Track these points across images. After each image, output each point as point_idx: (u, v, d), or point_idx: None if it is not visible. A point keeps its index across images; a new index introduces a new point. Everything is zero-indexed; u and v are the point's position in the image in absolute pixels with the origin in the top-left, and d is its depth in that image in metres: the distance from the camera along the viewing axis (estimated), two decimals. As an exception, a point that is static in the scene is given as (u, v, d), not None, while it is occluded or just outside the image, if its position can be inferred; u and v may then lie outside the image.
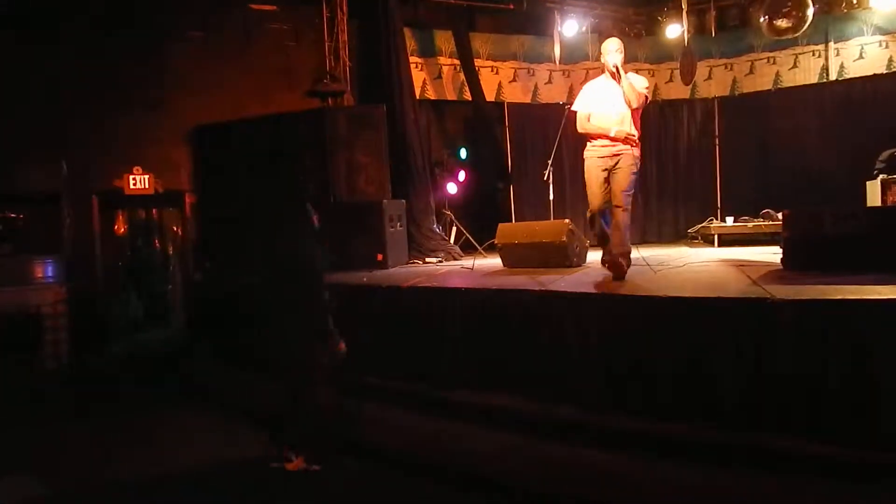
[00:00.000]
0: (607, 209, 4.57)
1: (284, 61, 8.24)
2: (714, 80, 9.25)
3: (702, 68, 9.17)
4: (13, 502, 3.35)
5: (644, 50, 9.37)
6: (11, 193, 6.13)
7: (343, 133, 6.81)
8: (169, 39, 7.61)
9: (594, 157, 4.62)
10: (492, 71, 9.19)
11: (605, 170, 4.56)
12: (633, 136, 4.55)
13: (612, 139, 4.53)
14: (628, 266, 4.55)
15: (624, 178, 4.48)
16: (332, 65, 8.08)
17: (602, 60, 4.66)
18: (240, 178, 7.01)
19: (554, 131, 6.64)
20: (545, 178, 6.15)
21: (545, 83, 9.35)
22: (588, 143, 4.70)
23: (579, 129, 4.77)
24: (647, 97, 4.54)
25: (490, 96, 9.01)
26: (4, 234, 5.85)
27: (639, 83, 4.57)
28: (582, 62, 9.35)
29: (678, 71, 8.91)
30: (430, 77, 8.88)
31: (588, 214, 4.78)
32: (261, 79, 8.12)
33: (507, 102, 9.09)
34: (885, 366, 3.02)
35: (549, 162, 6.20)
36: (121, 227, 8.51)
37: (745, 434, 3.24)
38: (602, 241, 4.77)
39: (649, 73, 9.37)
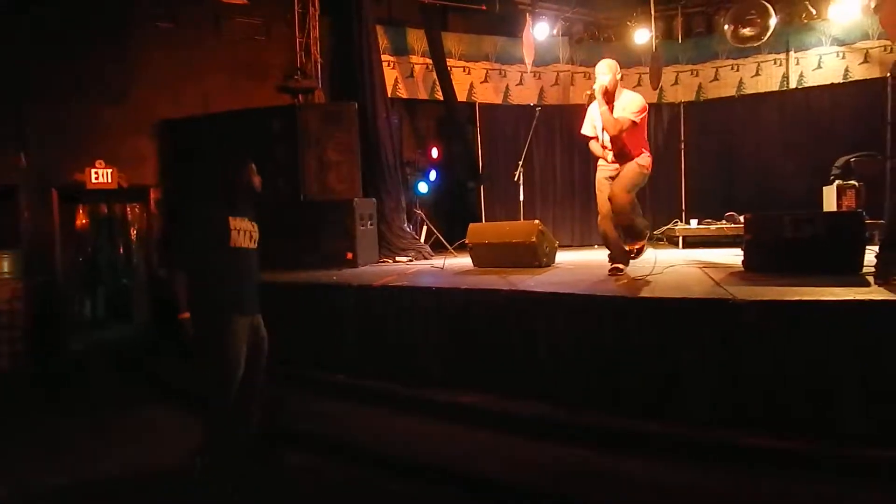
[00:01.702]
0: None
1: (255, 56, 8.12)
2: (680, 86, 9.47)
3: (669, 73, 9.40)
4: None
5: (613, 54, 9.51)
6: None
7: (314, 130, 6.75)
8: (136, 30, 7.42)
9: (602, 174, 4.88)
10: (464, 71, 9.23)
11: (610, 179, 4.79)
12: (630, 153, 4.68)
13: (612, 161, 4.80)
14: (625, 265, 4.89)
15: (620, 183, 4.65)
16: (304, 61, 8.00)
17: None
18: (208, 174, 6.87)
19: (525, 132, 6.74)
20: (515, 179, 6.22)
21: (516, 84, 9.44)
22: (599, 161, 4.94)
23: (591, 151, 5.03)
24: (632, 121, 4.52)
25: (462, 96, 9.05)
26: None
27: (629, 106, 4.57)
28: (553, 64, 9.47)
29: (646, 76, 9.11)
30: (402, 75, 8.88)
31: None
32: (230, 73, 7.99)
33: (479, 103, 9.15)
34: (840, 364, 3.15)
35: (520, 163, 6.27)
36: (82, 222, 8.27)
37: (711, 431, 3.33)
38: (607, 245, 4.99)
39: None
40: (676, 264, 5.50)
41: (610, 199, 4.67)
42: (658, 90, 9.18)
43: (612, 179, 4.75)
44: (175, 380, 5.38)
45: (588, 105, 4.95)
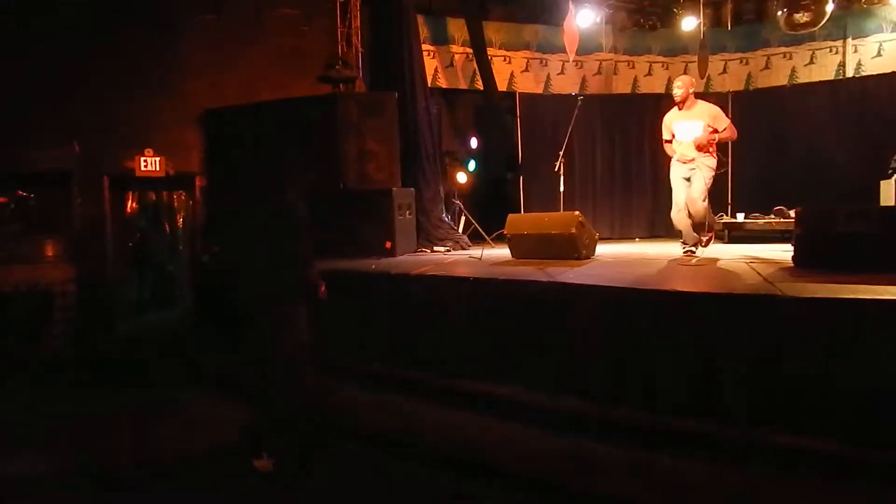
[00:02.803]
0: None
1: (296, 46, 8.20)
2: (729, 75, 9.15)
3: (717, 62, 9.08)
4: (14, 476, 3.39)
5: (658, 42, 9.28)
6: (24, 173, 6.16)
7: (354, 120, 6.78)
8: (182, 22, 7.60)
9: (677, 173, 5.57)
10: (504, 60, 9.12)
11: (685, 180, 5.51)
12: (704, 155, 5.42)
13: (687, 161, 5.51)
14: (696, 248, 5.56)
15: (696, 190, 5.40)
16: (345, 50, 8.04)
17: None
18: (248, 163, 7.01)
19: (565, 123, 6.61)
20: (556, 170, 6.14)
21: (558, 74, 9.27)
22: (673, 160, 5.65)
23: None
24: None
25: (502, 86, 8.95)
26: (16, 213, 5.88)
27: (719, 116, 5.45)
28: (595, 53, 9.26)
29: (692, 64, 8.83)
30: (441, 65, 8.83)
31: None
32: (272, 63, 8.10)
33: (519, 92, 9.02)
34: (894, 366, 3.00)
35: (561, 154, 6.18)
36: (131, 209, 8.54)
37: (752, 431, 3.23)
38: (681, 233, 5.69)
39: (663, 66, 9.30)
40: (722, 259, 5.34)
41: (688, 204, 5.41)
42: (705, 79, 8.90)
43: (687, 180, 5.45)
44: (215, 364, 5.51)
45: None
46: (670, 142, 5.64)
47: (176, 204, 8.88)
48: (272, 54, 8.08)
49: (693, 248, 5.54)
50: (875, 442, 2.96)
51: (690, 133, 5.41)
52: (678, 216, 5.52)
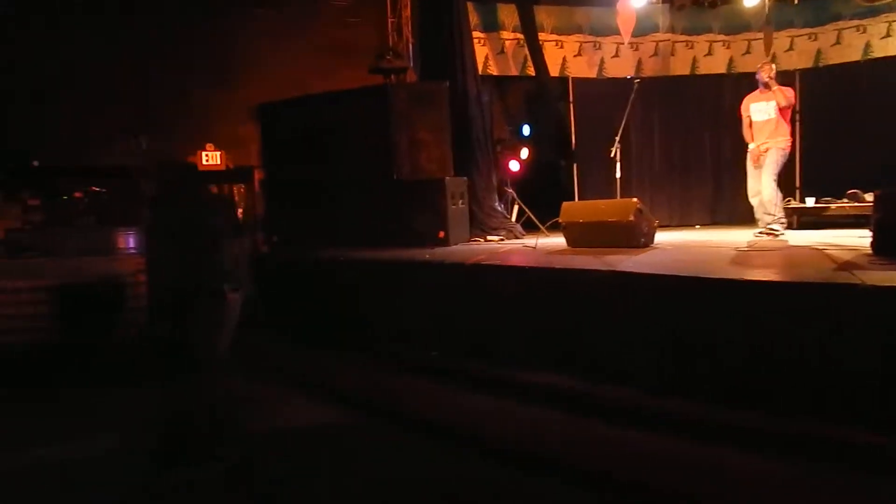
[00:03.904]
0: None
1: (348, 38, 8.30)
2: (796, 52, 8.67)
3: (782, 39, 8.62)
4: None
5: (719, 20, 8.89)
6: (96, 168, 6.48)
7: (405, 110, 6.80)
8: (240, 18, 7.79)
9: (752, 158, 5.99)
10: (556, 45, 8.94)
11: (758, 165, 5.89)
12: (777, 136, 5.86)
13: (761, 144, 5.94)
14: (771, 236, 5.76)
15: (767, 173, 5.79)
16: (395, 41, 8.08)
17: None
18: (305, 155, 7.14)
19: (621, 107, 6.44)
20: (612, 156, 5.99)
21: (612, 57, 9.02)
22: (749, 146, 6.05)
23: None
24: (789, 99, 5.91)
25: (554, 71, 8.78)
26: (90, 207, 6.18)
27: (786, 91, 5.91)
28: (652, 34, 8.95)
29: (755, 42, 8.42)
30: (492, 52, 8.73)
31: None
32: (325, 55, 8.22)
33: (572, 77, 8.84)
34: None
35: (617, 139, 6.03)
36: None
37: (816, 425, 3.07)
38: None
39: (724, 44, 8.91)
40: (792, 245, 5.10)
41: (762, 183, 5.78)
42: (770, 57, 8.47)
43: (759, 166, 5.84)
44: (273, 355, 5.66)
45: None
46: (750, 126, 6.03)
47: (236, 196, 9.14)
48: (325, 47, 8.20)
49: (775, 228, 5.72)
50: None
51: (764, 113, 5.87)
52: (754, 201, 5.96)
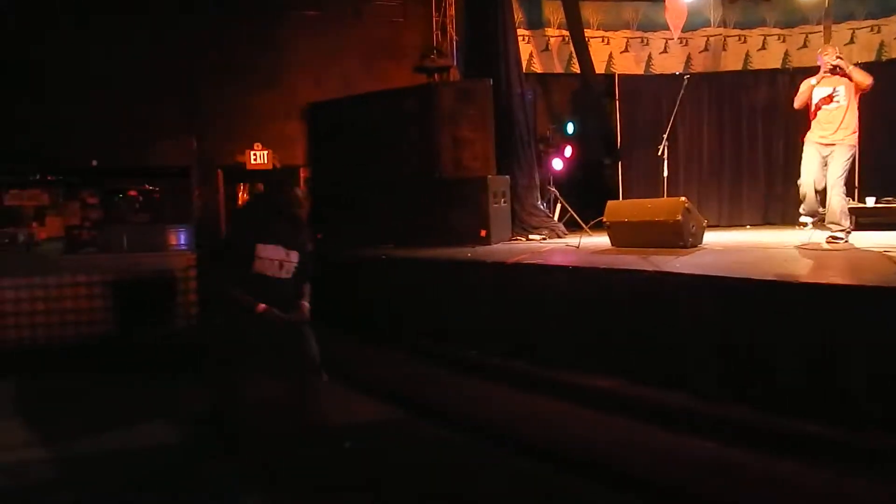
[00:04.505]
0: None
1: (393, 37, 8.36)
2: (857, 44, 8.29)
3: (843, 31, 8.26)
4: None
5: (774, 13, 8.57)
6: (149, 167, 6.73)
7: (449, 108, 6.81)
8: (285, 19, 7.95)
9: (812, 149, 5.38)
10: (602, 41, 8.81)
11: (822, 157, 5.33)
12: (847, 128, 5.28)
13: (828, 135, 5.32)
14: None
15: (834, 172, 5.24)
16: (439, 40, 8.09)
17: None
18: (349, 154, 7.24)
19: (669, 104, 6.29)
20: (659, 154, 5.86)
21: (660, 52, 8.83)
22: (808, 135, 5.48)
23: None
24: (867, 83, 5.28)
25: (599, 68, 8.65)
26: (143, 205, 6.43)
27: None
28: (702, 28, 8.71)
29: (813, 35, 8.09)
30: (536, 50, 8.67)
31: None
32: (370, 55, 8.30)
33: (618, 74, 8.67)
34: None
35: (664, 136, 5.89)
36: (242, 200, 9.09)
37: (870, 434, 2.92)
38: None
39: (779, 38, 8.60)
40: (851, 247, 4.87)
41: (828, 186, 5.23)
42: (829, 50, 8.12)
43: (823, 157, 5.27)
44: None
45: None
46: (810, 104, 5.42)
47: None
48: (370, 46, 8.28)
49: (839, 236, 5.19)
50: None
51: (831, 100, 5.29)
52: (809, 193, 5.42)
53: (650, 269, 4.15)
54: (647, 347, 3.89)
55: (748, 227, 7.75)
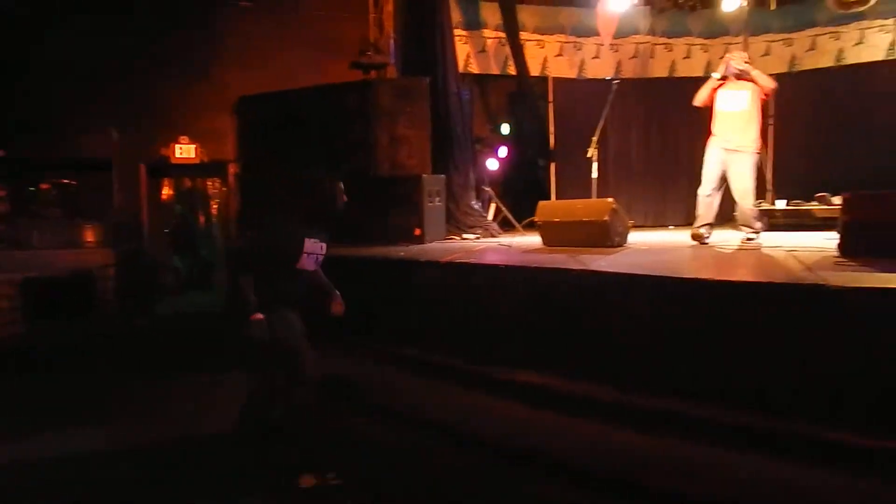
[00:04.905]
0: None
1: (330, 32, 8.23)
2: (771, 57, 8.80)
3: (759, 44, 8.75)
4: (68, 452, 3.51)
5: (698, 24, 8.99)
6: (65, 160, 6.35)
7: (386, 106, 6.77)
8: (219, 9, 7.68)
9: (716, 153, 5.52)
10: (537, 45, 8.96)
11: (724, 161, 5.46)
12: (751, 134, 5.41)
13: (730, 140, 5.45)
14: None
15: (742, 180, 5.39)
16: (377, 36, 8.03)
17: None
18: (282, 149, 7.07)
19: (600, 108, 6.46)
20: (588, 156, 6.02)
21: (593, 58, 9.07)
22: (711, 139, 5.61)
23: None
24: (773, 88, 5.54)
25: (535, 71, 8.80)
26: (58, 199, 6.07)
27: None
28: (632, 36, 9.02)
29: (733, 46, 8.53)
30: (473, 50, 8.72)
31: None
32: (307, 50, 8.14)
33: (553, 77, 8.85)
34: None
35: (594, 139, 6.06)
36: (167, 195, 8.73)
37: (792, 423, 3.12)
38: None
39: (702, 48, 9.02)
40: (761, 247, 5.17)
41: (737, 194, 5.41)
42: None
43: (725, 162, 5.40)
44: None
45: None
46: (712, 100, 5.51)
47: (210, 190, 9.04)
48: (306, 41, 8.12)
49: (752, 237, 5.40)
50: None
51: (734, 104, 5.37)
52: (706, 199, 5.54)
53: (578, 267, 4.27)
54: (576, 343, 4.00)
55: (671, 227, 8.09)
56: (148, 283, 7.17)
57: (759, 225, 5.46)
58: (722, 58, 5.94)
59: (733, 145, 5.36)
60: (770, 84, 5.39)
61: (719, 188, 5.51)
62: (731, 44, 8.58)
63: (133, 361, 5.41)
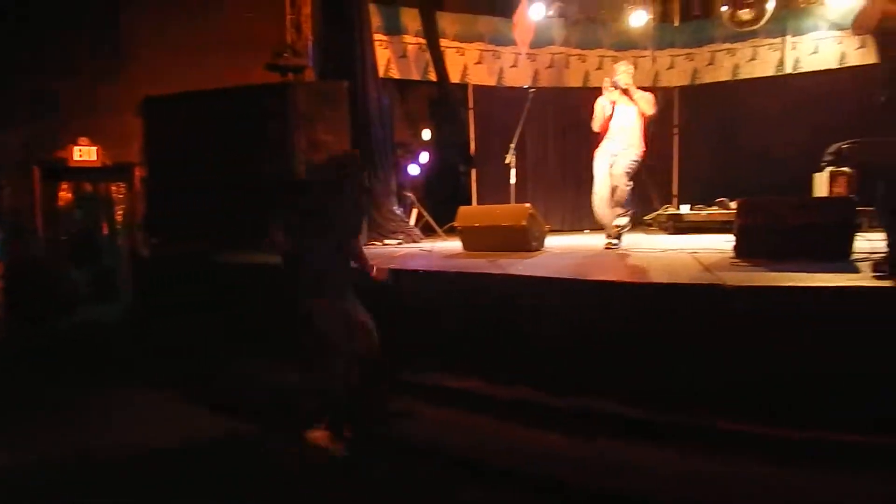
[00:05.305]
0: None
1: (246, 33, 7.96)
2: (676, 70, 9.36)
3: (664, 57, 9.30)
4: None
5: (609, 37, 9.41)
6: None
7: (305, 109, 6.60)
8: (129, 6, 7.26)
9: (602, 160, 5.67)
10: (458, 52, 9.07)
11: (610, 166, 5.61)
12: (634, 143, 5.61)
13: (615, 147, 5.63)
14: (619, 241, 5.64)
15: (620, 172, 5.52)
16: (294, 38, 7.84)
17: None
18: (194, 153, 6.75)
19: (518, 116, 6.63)
20: (507, 162, 6.15)
21: (511, 66, 9.29)
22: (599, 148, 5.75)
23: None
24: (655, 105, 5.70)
25: (455, 78, 8.90)
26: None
27: (647, 96, 5.62)
28: (548, 46, 9.32)
29: (642, 59, 9.01)
30: (394, 55, 8.71)
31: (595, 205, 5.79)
32: (221, 50, 7.84)
33: (473, 85, 9.00)
34: (831, 350, 3.12)
35: (512, 146, 6.20)
36: (65, 200, 8.13)
37: (697, 417, 3.30)
38: (604, 224, 5.83)
39: (613, 60, 9.41)
40: (666, 249, 5.46)
41: (614, 187, 5.51)
42: (654, 75, 9.10)
43: (611, 166, 5.56)
44: (159, 361, 5.33)
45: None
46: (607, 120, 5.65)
47: (114, 195, 8.50)
48: (221, 41, 7.83)
49: (615, 241, 5.59)
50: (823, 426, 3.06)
51: (624, 119, 5.57)
52: (601, 204, 5.67)
53: (495, 272, 4.35)
54: (497, 346, 4.06)
55: (587, 231, 8.41)
56: (44, 296, 6.64)
57: (625, 221, 5.58)
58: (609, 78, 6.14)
59: (619, 150, 5.58)
60: (649, 110, 5.56)
61: (613, 193, 5.60)
62: (639, 56, 9.05)
63: (24, 382, 5.03)
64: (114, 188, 8.29)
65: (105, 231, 8.54)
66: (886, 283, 3.27)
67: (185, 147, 6.76)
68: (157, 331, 5.94)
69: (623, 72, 5.58)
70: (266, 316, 5.10)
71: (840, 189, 6.52)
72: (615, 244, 5.58)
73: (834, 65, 8.34)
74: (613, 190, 5.54)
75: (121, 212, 8.37)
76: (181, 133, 6.82)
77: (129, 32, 7.26)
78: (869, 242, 4.12)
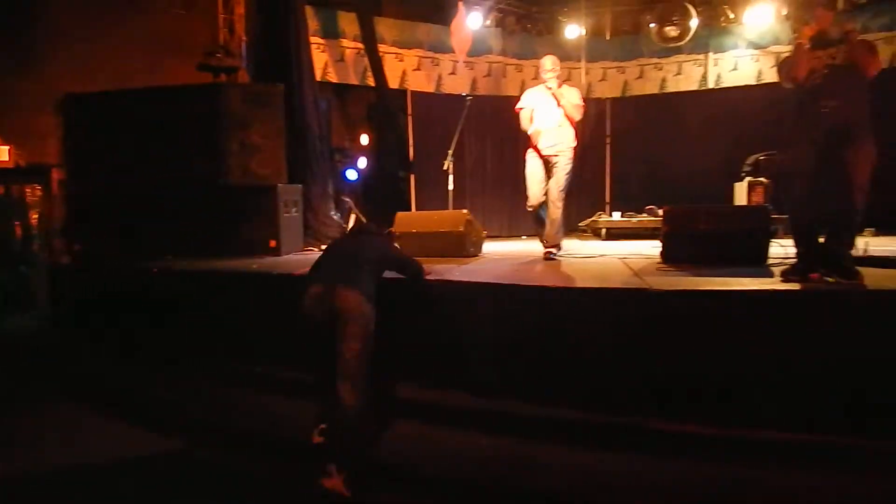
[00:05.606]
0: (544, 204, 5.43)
1: (176, 31, 7.70)
2: (608, 82, 9.72)
3: (597, 70, 9.63)
4: None
5: (544, 47, 9.64)
6: None
7: (238, 111, 6.44)
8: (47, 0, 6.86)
9: (534, 164, 5.43)
10: (396, 58, 9.08)
11: (544, 170, 5.39)
12: (566, 142, 5.36)
13: (546, 149, 5.37)
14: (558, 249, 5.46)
15: (557, 181, 5.32)
16: (227, 38, 7.64)
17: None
18: (119, 154, 6.44)
19: (456, 123, 6.69)
20: (444, 168, 6.19)
21: (449, 74, 9.38)
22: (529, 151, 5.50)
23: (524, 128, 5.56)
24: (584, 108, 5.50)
25: (394, 83, 8.90)
26: None
27: (574, 97, 5.41)
28: (486, 55, 9.48)
29: (576, 70, 9.30)
30: (332, 59, 8.63)
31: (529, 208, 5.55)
32: (149, 48, 7.55)
33: (411, 91, 9.02)
34: (746, 349, 3.29)
35: (450, 152, 6.24)
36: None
37: (628, 417, 3.41)
38: (538, 232, 5.66)
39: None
40: (598, 255, 5.63)
41: (548, 194, 5.35)
42: (587, 86, 9.40)
43: (546, 171, 5.38)
44: (84, 376, 5.04)
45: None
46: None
47: (29, 198, 7.97)
48: (148, 38, 7.53)
49: (553, 251, 5.38)
50: (742, 423, 3.21)
51: (550, 118, 5.31)
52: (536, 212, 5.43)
53: (432, 277, 4.34)
54: (433, 352, 4.06)
55: (524, 237, 8.57)
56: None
57: (561, 237, 5.40)
58: (566, 81, 6.27)
59: (554, 151, 5.33)
60: (576, 115, 5.34)
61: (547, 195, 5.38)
62: (573, 68, 9.33)
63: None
64: (28, 190, 7.77)
65: (18, 236, 7.99)
66: (794, 287, 3.49)
67: (109, 148, 6.44)
68: (77, 340, 5.61)
69: (549, 68, 5.36)
70: (197, 325, 4.92)
71: (758, 198, 6.93)
72: (554, 255, 5.35)
73: (752, 81, 8.88)
74: (547, 192, 5.33)
75: (36, 216, 7.86)
76: (104, 133, 6.50)
77: (46, 28, 6.85)
78: (783, 248, 4.38)
